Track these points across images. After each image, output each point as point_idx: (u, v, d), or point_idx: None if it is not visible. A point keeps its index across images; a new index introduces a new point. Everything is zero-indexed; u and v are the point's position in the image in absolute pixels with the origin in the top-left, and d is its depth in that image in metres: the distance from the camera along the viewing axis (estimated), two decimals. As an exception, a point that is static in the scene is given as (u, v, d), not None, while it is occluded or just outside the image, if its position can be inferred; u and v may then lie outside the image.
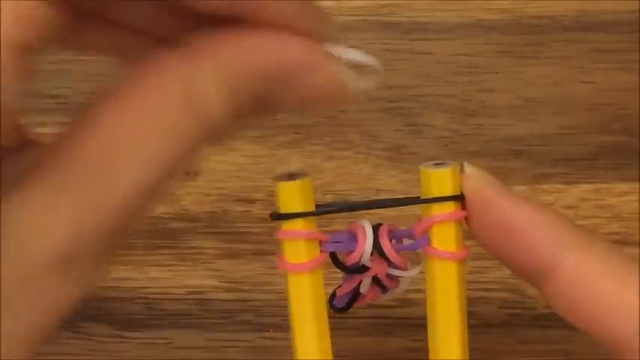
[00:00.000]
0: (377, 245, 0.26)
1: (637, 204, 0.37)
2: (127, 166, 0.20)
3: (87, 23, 0.21)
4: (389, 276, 0.27)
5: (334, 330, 0.35)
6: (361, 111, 0.38)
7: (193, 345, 0.37)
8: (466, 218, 0.26)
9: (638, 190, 0.37)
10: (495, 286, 0.37)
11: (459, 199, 0.26)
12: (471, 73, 0.39)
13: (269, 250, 0.37)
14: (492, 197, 0.25)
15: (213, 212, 0.38)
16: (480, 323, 0.36)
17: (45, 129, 0.39)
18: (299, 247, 0.26)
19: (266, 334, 0.37)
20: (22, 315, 0.19)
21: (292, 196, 0.26)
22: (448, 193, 0.26)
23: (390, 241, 0.27)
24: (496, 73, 0.38)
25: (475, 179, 0.26)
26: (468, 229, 0.26)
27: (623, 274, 0.24)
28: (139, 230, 0.38)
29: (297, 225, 0.26)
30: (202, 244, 0.38)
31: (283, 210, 0.26)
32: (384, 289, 0.27)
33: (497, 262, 0.37)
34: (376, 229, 0.27)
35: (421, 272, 0.27)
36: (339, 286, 0.27)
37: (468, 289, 0.36)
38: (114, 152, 0.20)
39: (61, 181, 0.19)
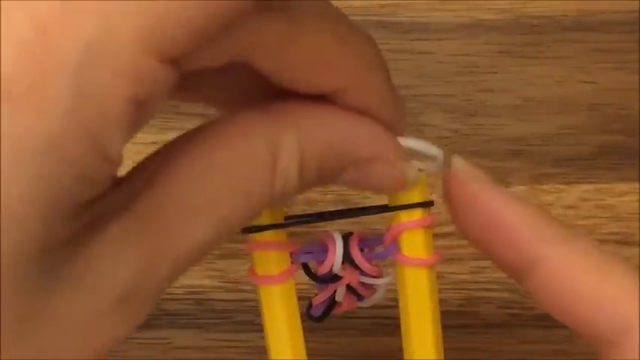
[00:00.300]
0: (347, 255, 0.26)
1: (637, 204, 0.37)
2: (202, 223, 0.21)
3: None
4: (363, 284, 0.27)
5: (334, 330, 0.35)
6: (361, 111, 0.39)
7: (193, 345, 0.37)
8: (452, 213, 0.26)
9: (638, 190, 0.37)
10: (495, 286, 0.37)
11: (427, 205, 0.26)
12: (471, 73, 0.39)
13: (269, 250, 0.37)
14: (479, 192, 0.25)
15: (213, 212, 0.38)
16: (480, 323, 0.36)
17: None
18: (270, 259, 0.26)
19: (266, 334, 0.37)
20: (79, 349, 0.20)
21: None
22: (415, 199, 0.26)
23: (362, 249, 0.27)
24: (496, 73, 0.38)
25: (463, 173, 0.26)
26: (454, 224, 0.26)
27: (604, 268, 0.24)
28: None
29: (267, 237, 0.26)
30: (202, 244, 0.38)
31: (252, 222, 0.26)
32: (359, 297, 0.27)
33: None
34: (347, 238, 0.26)
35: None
36: (315, 295, 0.27)
37: (468, 289, 0.37)
38: (192, 208, 0.21)
39: (134, 228, 0.20)
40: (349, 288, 0.27)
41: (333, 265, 0.26)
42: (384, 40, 0.39)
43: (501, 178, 0.38)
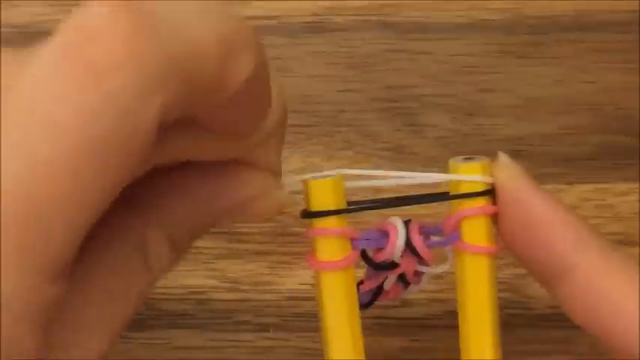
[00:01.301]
0: (408, 242, 0.26)
1: (637, 204, 0.37)
2: (94, 337, 0.22)
3: None
4: (416, 272, 0.27)
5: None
6: (361, 111, 0.38)
7: (193, 345, 0.37)
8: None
9: (638, 190, 0.37)
10: (495, 286, 0.37)
11: (489, 193, 0.26)
12: (471, 73, 0.39)
13: (269, 250, 0.37)
14: (522, 189, 0.26)
15: (213, 212, 0.38)
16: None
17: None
18: (332, 245, 0.26)
19: (266, 334, 0.37)
20: None
21: (325, 194, 0.26)
22: (477, 187, 0.26)
23: (427, 237, 0.27)
24: (496, 73, 0.38)
25: (508, 168, 0.26)
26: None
27: None
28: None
29: (330, 223, 0.26)
30: (202, 244, 0.38)
31: (315, 208, 0.26)
32: (406, 285, 0.27)
33: (498, 262, 0.37)
34: (407, 225, 0.27)
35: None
36: (361, 283, 0.27)
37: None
38: (83, 323, 0.21)
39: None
40: (399, 276, 0.27)
41: (394, 252, 0.26)
42: (384, 40, 0.39)
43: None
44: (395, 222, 0.27)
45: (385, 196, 0.32)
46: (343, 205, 0.26)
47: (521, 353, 0.37)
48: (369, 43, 0.39)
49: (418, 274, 0.27)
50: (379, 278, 0.27)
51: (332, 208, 0.26)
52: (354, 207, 0.26)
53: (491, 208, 0.26)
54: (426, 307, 0.35)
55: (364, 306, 0.27)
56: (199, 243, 0.38)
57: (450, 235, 0.26)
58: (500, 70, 0.38)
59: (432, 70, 0.39)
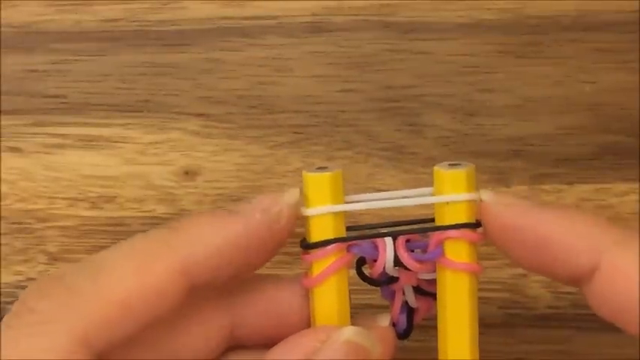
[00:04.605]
0: (396, 256, 0.26)
1: (637, 204, 0.37)
2: None
3: None
4: (427, 281, 0.27)
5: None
6: (361, 111, 0.38)
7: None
8: (495, 244, 0.26)
9: (638, 190, 0.37)
10: (495, 286, 0.37)
11: (475, 226, 0.26)
12: (471, 73, 0.38)
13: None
14: (516, 221, 0.25)
15: (212, 212, 0.38)
16: (480, 323, 0.36)
17: (44, 129, 0.39)
18: (328, 249, 0.26)
19: (266, 334, 0.37)
20: None
21: (322, 189, 0.26)
22: (462, 194, 0.26)
23: (412, 250, 0.27)
24: (496, 73, 0.38)
25: (494, 206, 0.26)
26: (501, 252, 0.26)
27: None
28: (139, 230, 0.38)
29: (327, 220, 0.26)
30: (202, 244, 0.38)
31: (312, 204, 0.26)
32: (432, 295, 0.27)
33: (497, 262, 0.37)
34: (395, 239, 0.27)
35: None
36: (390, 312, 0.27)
37: (468, 289, 0.37)
38: None
39: None
40: (417, 290, 0.27)
41: (385, 266, 0.26)
42: (384, 40, 0.39)
43: (501, 178, 0.38)
44: (384, 238, 0.27)
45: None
46: (340, 202, 0.26)
47: (521, 353, 0.37)
48: (369, 43, 0.39)
49: (432, 282, 0.27)
50: (392, 294, 0.27)
51: (329, 203, 0.26)
52: (351, 237, 0.26)
53: (475, 237, 0.26)
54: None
55: (405, 332, 0.28)
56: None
57: (432, 251, 0.26)
58: (500, 70, 0.38)
59: (432, 70, 0.39)
